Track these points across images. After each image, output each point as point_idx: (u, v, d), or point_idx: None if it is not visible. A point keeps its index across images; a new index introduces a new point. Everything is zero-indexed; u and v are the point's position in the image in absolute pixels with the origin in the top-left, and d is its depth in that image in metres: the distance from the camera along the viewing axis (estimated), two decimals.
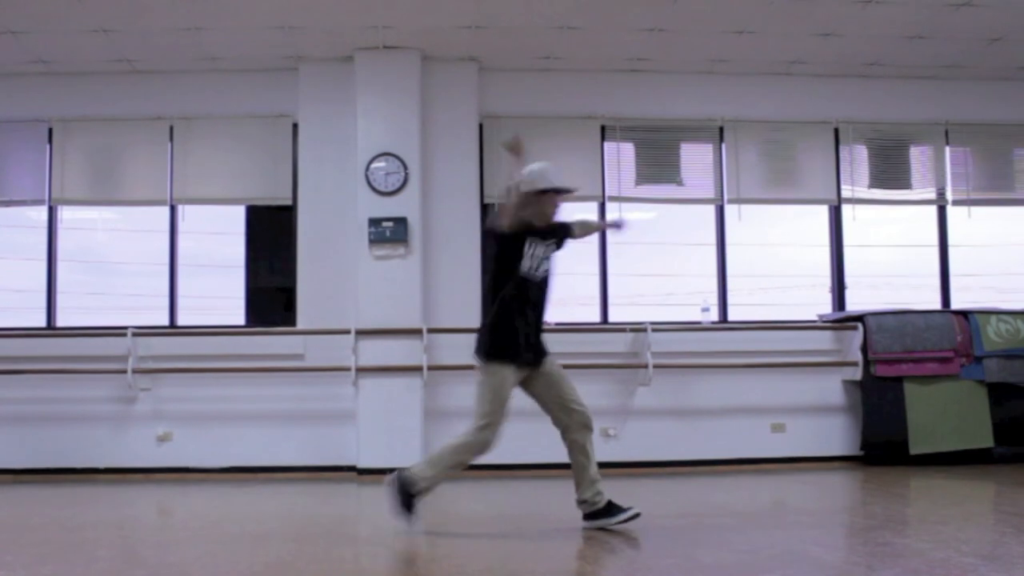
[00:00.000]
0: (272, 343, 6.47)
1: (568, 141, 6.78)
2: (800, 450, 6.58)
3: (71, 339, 6.41)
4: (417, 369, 6.28)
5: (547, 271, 4.05)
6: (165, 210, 6.69)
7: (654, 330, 6.47)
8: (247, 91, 6.71)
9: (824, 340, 6.72)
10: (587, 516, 3.95)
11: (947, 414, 6.34)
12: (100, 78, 6.67)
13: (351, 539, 4.07)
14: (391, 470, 6.14)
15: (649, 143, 6.90)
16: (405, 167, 6.44)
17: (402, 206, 6.42)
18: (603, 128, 6.85)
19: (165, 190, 6.66)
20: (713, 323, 6.76)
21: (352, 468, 6.34)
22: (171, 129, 6.68)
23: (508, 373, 3.93)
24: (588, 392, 6.37)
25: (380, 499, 5.41)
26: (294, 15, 5.91)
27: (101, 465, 6.34)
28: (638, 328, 6.51)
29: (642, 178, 6.87)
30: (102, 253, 7.25)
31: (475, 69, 6.71)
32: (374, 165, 6.44)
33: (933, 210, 7.14)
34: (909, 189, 7.11)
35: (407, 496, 3.93)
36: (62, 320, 6.64)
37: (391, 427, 6.28)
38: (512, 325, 3.94)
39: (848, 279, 7.03)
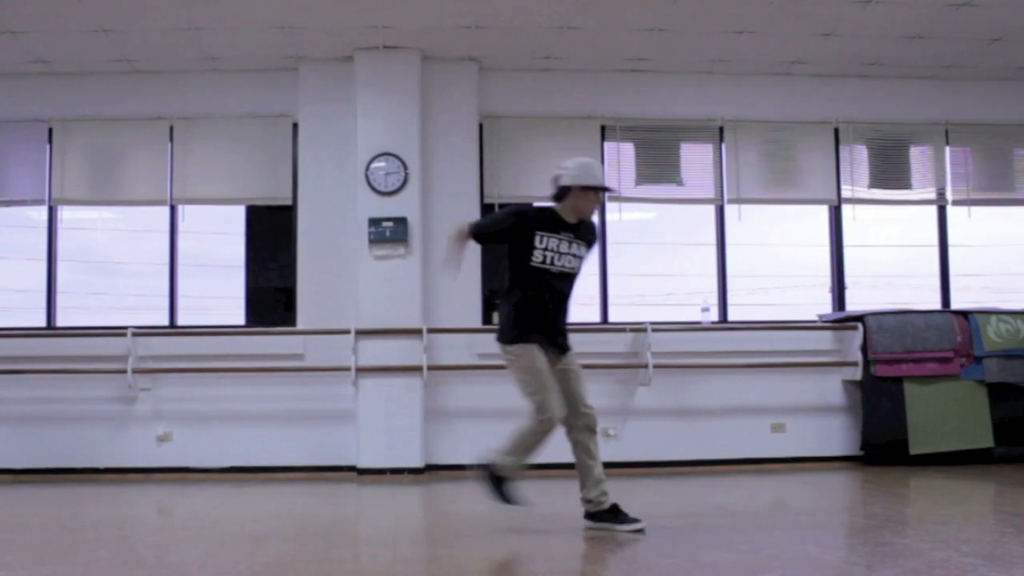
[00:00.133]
0: (272, 343, 6.47)
1: (568, 141, 6.77)
2: (800, 450, 6.58)
3: (71, 339, 6.41)
4: (417, 369, 6.28)
5: (570, 267, 4.01)
6: (165, 210, 6.69)
7: (654, 330, 6.47)
8: (247, 91, 6.71)
9: (824, 340, 6.72)
10: (589, 515, 3.94)
11: (947, 414, 6.34)
12: (100, 78, 6.67)
13: (351, 539, 4.07)
14: (391, 470, 6.22)
15: (649, 143, 6.90)
16: (405, 167, 6.44)
17: (402, 206, 6.42)
18: (603, 128, 6.85)
19: (165, 190, 6.66)
20: (713, 323, 6.76)
21: (352, 468, 6.34)
22: (171, 129, 6.68)
23: (532, 350, 3.91)
24: (588, 392, 6.43)
25: (380, 499, 5.43)
26: (294, 15, 5.91)
27: (101, 465, 6.34)
28: (638, 328, 6.51)
29: (642, 178, 6.87)
30: (102, 253, 7.25)
31: (475, 69, 6.71)
32: (374, 165, 6.44)
33: (933, 210, 7.14)
34: (909, 189, 7.11)
35: (498, 482, 3.92)
36: (62, 320, 6.64)
37: (391, 427, 6.28)
38: (527, 311, 3.94)
39: (848, 279, 7.03)
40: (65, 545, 3.75)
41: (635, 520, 3.86)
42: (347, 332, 6.30)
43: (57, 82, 6.66)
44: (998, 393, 6.40)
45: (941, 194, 7.10)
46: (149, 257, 6.80)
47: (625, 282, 6.85)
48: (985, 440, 6.33)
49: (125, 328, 6.33)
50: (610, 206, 6.82)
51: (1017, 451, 6.47)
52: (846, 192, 6.98)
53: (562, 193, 4.00)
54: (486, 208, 6.67)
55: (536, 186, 6.62)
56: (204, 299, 6.91)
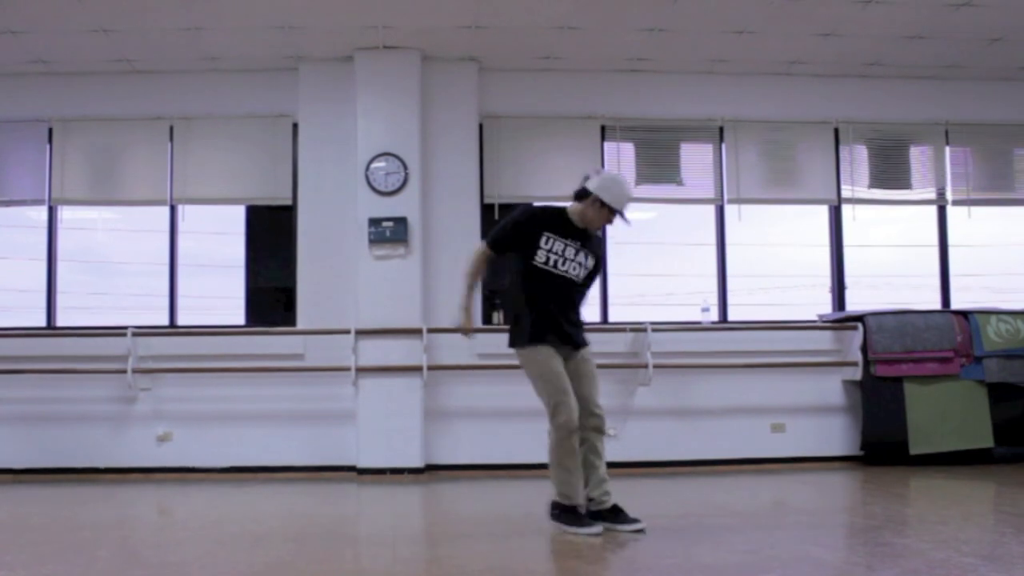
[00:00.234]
0: (272, 343, 6.47)
1: (568, 141, 6.78)
2: (800, 450, 6.58)
3: (71, 339, 6.41)
4: (417, 369, 6.28)
5: (574, 274, 3.99)
6: (165, 210, 6.69)
7: (654, 330, 6.47)
8: (247, 91, 6.71)
9: (824, 340, 6.72)
10: (589, 514, 3.95)
11: (947, 414, 6.34)
12: (100, 78, 6.67)
13: (351, 539, 4.07)
14: (391, 470, 6.22)
15: (649, 143, 6.91)
16: (405, 167, 6.44)
17: (402, 206, 6.42)
18: (603, 128, 6.85)
19: (165, 190, 6.66)
20: (713, 323, 6.76)
21: (352, 468, 6.34)
22: (171, 129, 6.68)
23: (544, 350, 3.91)
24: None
25: (380, 499, 5.43)
26: (294, 15, 5.91)
27: (101, 465, 6.34)
28: (638, 328, 6.51)
29: (642, 178, 6.87)
30: (102, 253, 7.25)
31: (475, 69, 6.71)
32: (374, 165, 6.44)
33: (933, 210, 7.14)
34: (909, 189, 7.11)
35: (570, 512, 3.88)
36: (62, 320, 6.64)
37: (391, 427, 6.28)
38: (532, 312, 3.94)
39: (848, 279, 7.03)
40: (65, 545, 3.75)
41: (635, 520, 3.86)
42: (347, 332, 6.30)
43: (57, 82, 6.66)
44: (998, 393, 6.40)
45: (941, 194, 7.10)
46: (149, 257, 6.80)
47: (625, 282, 6.85)
48: (985, 440, 6.33)
49: (125, 328, 6.33)
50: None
51: (1017, 451, 6.48)
52: (846, 192, 6.98)
53: (582, 194, 4.00)
54: (486, 208, 6.67)
55: (536, 186, 6.63)
56: (204, 299, 6.91)
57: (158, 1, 5.64)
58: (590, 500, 3.96)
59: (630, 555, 3.50)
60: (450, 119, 6.65)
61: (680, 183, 6.92)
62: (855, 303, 6.99)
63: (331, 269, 6.53)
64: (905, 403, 6.34)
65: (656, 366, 6.40)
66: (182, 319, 6.67)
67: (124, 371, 6.27)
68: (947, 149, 7.10)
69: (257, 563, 3.34)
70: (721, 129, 6.93)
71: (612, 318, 6.76)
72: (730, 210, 6.91)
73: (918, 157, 7.13)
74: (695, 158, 6.93)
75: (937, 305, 7.02)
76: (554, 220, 4.01)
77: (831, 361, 6.62)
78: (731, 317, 6.86)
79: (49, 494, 5.60)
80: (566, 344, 3.98)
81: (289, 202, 6.67)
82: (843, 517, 4.52)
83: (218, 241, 7.09)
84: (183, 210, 6.69)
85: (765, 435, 6.58)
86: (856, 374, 6.46)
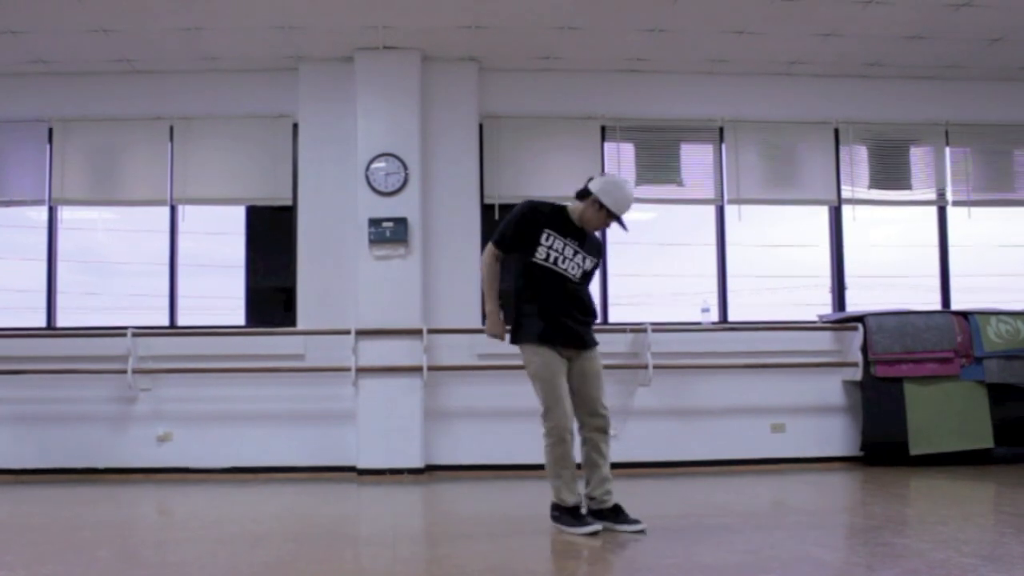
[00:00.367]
0: (272, 343, 6.47)
1: (568, 141, 6.78)
2: (800, 450, 6.58)
3: (71, 339, 6.41)
4: (417, 369, 6.28)
5: (573, 273, 3.99)
6: (165, 210, 6.69)
7: (654, 330, 6.47)
8: (247, 91, 6.71)
9: (824, 340, 6.72)
10: (592, 513, 3.95)
11: (947, 415, 6.34)
12: (100, 78, 6.67)
13: (351, 539, 4.07)
14: (391, 470, 6.22)
15: (649, 143, 6.90)
16: (405, 167, 6.44)
17: (402, 206, 6.42)
18: (603, 128, 6.85)
19: (165, 190, 6.66)
20: (713, 323, 6.76)
21: (352, 468, 6.34)
22: (171, 129, 6.68)
23: (545, 352, 3.91)
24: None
25: (380, 499, 5.43)
26: (294, 15, 5.91)
27: (101, 465, 6.34)
28: (638, 328, 6.51)
29: (642, 178, 6.87)
30: (102, 253, 7.25)
31: (475, 69, 6.71)
32: (374, 165, 6.44)
33: (933, 210, 7.14)
34: (909, 190, 7.11)
35: (569, 513, 3.89)
36: (62, 320, 6.64)
37: (391, 427, 6.28)
38: (534, 309, 3.94)
39: (848, 279, 7.03)
40: (65, 545, 3.75)
41: (636, 521, 3.86)
42: (347, 332, 6.30)
43: (57, 82, 6.66)
44: (998, 393, 6.40)
45: (941, 194, 7.10)
46: (149, 257, 6.80)
47: (625, 282, 6.85)
48: (985, 441, 6.33)
49: (125, 328, 6.33)
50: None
51: (1017, 452, 6.47)
52: (846, 192, 6.98)
53: (583, 194, 4.01)
54: (486, 208, 6.67)
55: (536, 186, 6.62)
56: (204, 299, 6.91)
57: (158, 1, 5.64)
58: (591, 499, 3.96)
59: (630, 555, 3.50)
60: (450, 119, 6.65)
61: (680, 183, 6.92)
62: (855, 303, 6.99)
63: (331, 269, 6.53)
64: (905, 403, 6.34)
65: (656, 366, 6.40)
66: (182, 319, 6.67)
67: (124, 371, 6.27)
68: (947, 149, 7.10)
69: (257, 563, 3.34)
70: (721, 129, 6.93)
71: (612, 318, 6.76)
72: (730, 210, 6.91)
73: (918, 157, 7.13)
74: (695, 158, 6.93)
75: (937, 305, 7.02)
76: (555, 217, 4.01)
77: (831, 361, 6.62)
78: (731, 317, 6.86)
79: (49, 494, 5.60)
80: (570, 344, 3.98)
81: (289, 202, 6.67)
82: (843, 517, 4.52)
83: (218, 241, 7.08)
84: (183, 210, 6.69)
85: (765, 435, 6.59)
86: (856, 374, 6.46)
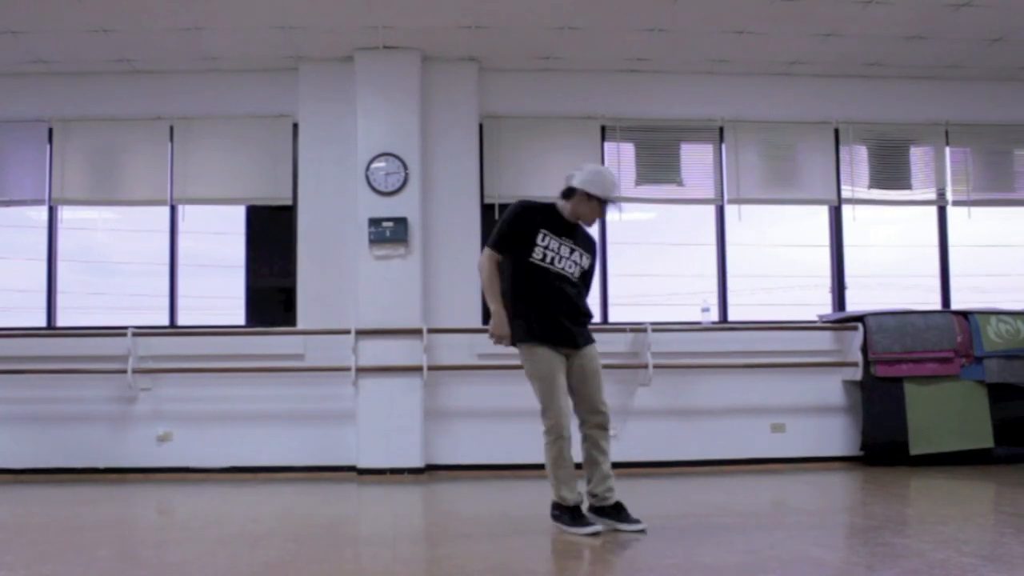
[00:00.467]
0: (272, 343, 6.47)
1: (568, 141, 6.78)
2: (800, 450, 6.58)
3: (71, 339, 6.41)
4: (417, 369, 6.28)
5: (570, 271, 4.00)
6: (165, 210, 6.69)
7: (654, 330, 6.47)
8: (247, 91, 6.71)
9: (824, 340, 6.72)
10: (592, 509, 3.95)
11: (947, 414, 6.34)
12: (100, 78, 6.67)
13: (351, 539, 4.07)
14: (391, 470, 6.22)
15: (649, 143, 6.90)
16: (405, 167, 6.44)
17: (402, 206, 6.42)
18: (603, 128, 6.85)
19: (165, 190, 6.66)
20: (713, 323, 6.76)
21: (352, 468, 6.34)
22: (171, 129, 6.68)
23: (542, 351, 3.91)
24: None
25: (380, 499, 5.43)
26: (294, 15, 5.91)
27: (101, 465, 6.34)
28: (638, 328, 6.51)
29: (642, 178, 6.87)
30: (102, 253, 7.25)
31: (475, 69, 6.71)
32: (374, 165, 6.44)
33: (933, 210, 7.14)
34: (909, 189, 7.11)
35: (570, 512, 3.88)
36: (62, 320, 6.64)
37: (391, 427, 6.28)
38: (530, 309, 3.94)
39: (848, 279, 7.03)
40: (65, 545, 3.75)
41: (637, 520, 3.86)
42: (347, 332, 6.30)
43: (57, 82, 6.67)
44: (998, 393, 6.40)
45: (941, 194, 7.10)
46: (149, 257, 6.80)
47: (625, 282, 6.85)
48: (985, 440, 6.33)
49: (125, 328, 6.33)
50: (610, 206, 6.79)
51: (1017, 451, 6.47)
52: (846, 192, 6.98)
53: (569, 193, 4.02)
54: (486, 208, 6.67)
55: (536, 186, 6.61)
56: (204, 299, 6.91)
57: (158, 1, 5.64)
58: (593, 496, 3.96)
59: (630, 555, 3.50)
60: (450, 119, 6.65)
61: (680, 183, 6.92)
62: (855, 303, 6.99)
63: (331, 269, 6.53)
64: (905, 403, 6.35)
65: (656, 366, 6.41)
66: (182, 319, 6.67)
67: (124, 371, 6.27)
68: (947, 149, 7.11)
69: (257, 563, 3.33)
70: (721, 129, 6.93)
71: (612, 318, 6.76)
72: (730, 210, 6.91)
73: (918, 157, 7.13)
74: (695, 158, 6.93)
75: (937, 305, 7.03)
76: (549, 217, 4.02)
77: (831, 361, 6.62)
78: (731, 317, 6.86)
79: (49, 494, 5.60)
80: (567, 343, 3.98)
81: (289, 202, 6.67)
82: (843, 517, 4.52)
83: (218, 241, 7.08)
84: (183, 210, 6.69)
85: (765, 435, 6.59)
86: (856, 374, 6.46)
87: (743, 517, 4.35)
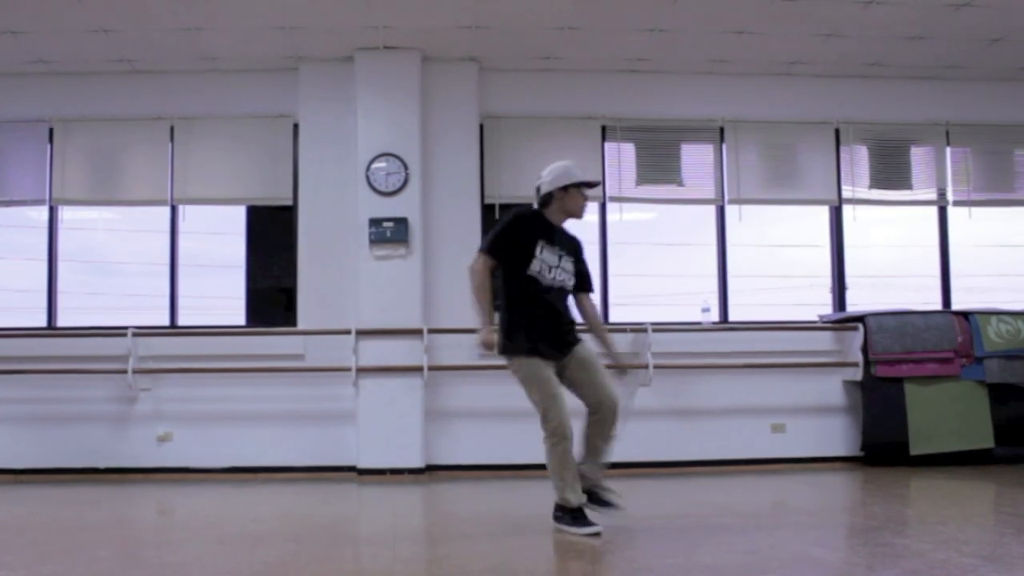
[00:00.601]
0: (272, 343, 6.47)
1: (568, 141, 6.78)
2: (800, 451, 6.57)
3: (71, 339, 6.41)
4: (417, 369, 6.28)
5: (560, 281, 4.03)
6: (165, 210, 6.69)
7: (654, 330, 6.47)
8: (247, 91, 6.71)
9: (824, 341, 6.72)
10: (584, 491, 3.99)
11: (947, 415, 6.33)
12: (100, 78, 6.67)
13: (351, 539, 4.07)
14: (391, 470, 6.22)
15: (649, 143, 6.90)
16: (406, 167, 6.44)
17: (402, 206, 6.42)
18: (603, 128, 6.85)
19: (165, 190, 6.66)
20: (713, 323, 6.76)
21: (352, 468, 6.34)
22: (171, 129, 6.68)
23: (535, 361, 3.93)
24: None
25: (380, 499, 5.43)
26: (294, 15, 5.91)
27: (101, 465, 6.34)
28: (638, 328, 6.51)
29: (642, 178, 6.87)
30: (102, 253, 7.25)
31: (475, 69, 6.71)
32: (374, 165, 6.44)
33: (934, 210, 7.13)
34: (910, 190, 7.11)
35: (572, 514, 3.88)
36: (62, 320, 6.64)
37: (391, 427, 6.28)
38: (525, 322, 3.95)
39: (848, 279, 7.03)
40: (65, 545, 3.75)
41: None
42: (347, 332, 6.30)
43: (57, 82, 6.66)
44: (999, 394, 6.40)
45: (942, 194, 7.10)
46: (149, 257, 6.80)
47: (625, 282, 6.85)
48: (986, 441, 6.32)
49: (125, 328, 6.33)
50: (610, 206, 6.83)
51: (1018, 452, 6.47)
52: (846, 192, 6.98)
53: (546, 200, 4.07)
54: (486, 208, 6.67)
55: None
56: (204, 299, 6.91)
57: (158, 1, 5.64)
58: (582, 477, 3.97)
59: (630, 555, 3.50)
60: (450, 119, 6.65)
61: (680, 183, 6.91)
62: (855, 303, 6.99)
63: (331, 269, 6.53)
64: (906, 404, 6.34)
65: (657, 366, 6.40)
66: (182, 319, 6.67)
67: (124, 371, 6.27)
68: (948, 149, 7.10)
69: (257, 563, 3.34)
70: (722, 129, 6.93)
71: (612, 318, 6.76)
72: (731, 210, 6.91)
73: (919, 157, 7.13)
74: (695, 158, 6.93)
75: (937, 305, 7.02)
76: (542, 227, 4.05)
77: (831, 362, 6.62)
78: (732, 317, 6.86)
79: (49, 494, 5.60)
80: (558, 352, 4.00)
81: (290, 202, 6.67)
82: (843, 517, 4.52)
83: (218, 241, 7.08)
84: (183, 210, 6.69)
85: (765, 435, 6.58)
86: (856, 374, 6.46)
87: (743, 517, 4.35)
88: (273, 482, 6.10)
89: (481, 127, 6.74)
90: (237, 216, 6.77)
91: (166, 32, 6.06)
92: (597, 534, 3.79)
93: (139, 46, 6.28)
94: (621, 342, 6.55)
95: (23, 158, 6.67)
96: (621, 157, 6.86)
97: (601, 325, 4.39)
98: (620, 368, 4.33)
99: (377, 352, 6.32)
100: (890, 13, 5.92)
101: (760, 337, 6.65)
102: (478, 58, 6.66)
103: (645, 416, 6.53)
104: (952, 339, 6.40)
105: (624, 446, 6.37)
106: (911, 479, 5.73)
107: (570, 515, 3.88)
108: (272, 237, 6.75)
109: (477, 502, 5.29)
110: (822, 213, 7.07)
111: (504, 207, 6.58)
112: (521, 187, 6.66)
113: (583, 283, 4.20)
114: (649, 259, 7.07)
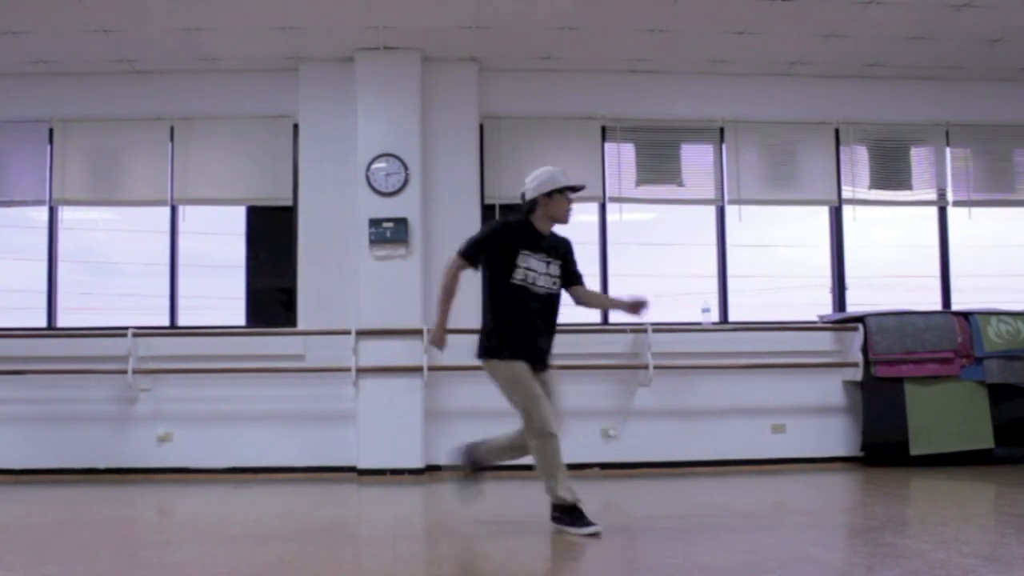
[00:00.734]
0: (272, 343, 6.47)
1: (568, 141, 6.78)
2: (800, 451, 6.58)
3: (71, 339, 6.41)
4: (417, 369, 6.28)
5: (546, 288, 4.05)
6: (165, 210, 6.69)
7: (654, 331, 6.47)
8: (247, 91, 6.71)
9: (824, 341, 6.72)
10: (468, 452, 4.25)
11: (947, 415, 6.34)
12: (100, 78, 6.67)
13: (351, 539, 4.07)
14: (391, 470, 6.21)
15: (649, 144, 6.90)
16: (405, 167, 6.44)
17: (402, 206, 6.42)
18: (603, 128, 6.85)
19: (165, 190, 6.66)
20: (713, 324, 6.76)
21: (352, 468, 6.34)
22: (171, 129, 6.68)
23: (517, 363, 3.96)
24: (588, 392, 6.44)
25: (380, 499, 5.43)
26: (294, 15, 5.92)
27: (101, 465, 6.34)
28: (638, 329, 6.51)
29: (642, 179, 6.87)
30: (102, 253, 7.25)
31: (475, 69, 6.71)
32: (374, 165, 6.44)
33: (934, 211, 7.14)
34: (910, 190, 7.11)
35: (570, 512, 3.89)
36: (62, 320, 6.64)
37: (391, 427, 6.28)
38: (509, 327, 3.99)
39: (848, 280, 7.03)
40: (65, 545, 3.75)
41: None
42: (347, 333, 6.30)
43: (57, 82, 6.67)
44: (999, 394, 6.40)
45: (942, 195, 7.10)
46: (149, 257, 6.80)
47: (625, 282, 6.84)
48: (986, 441, 6.32)
49: (125, 328, 6.33)
50: (610, 206, 6.83)
51: (1018, 452, 6.47)
52: (847, 193, 6.98)
53: (531, 207, 4.08)
54: (486, 209, 6.67)
55: None
56: (204, 299, 6.91)
57: (158, 1, 5.64)
58: (480, 448, 4.20)
59: (630, 555, 3.50)
60: (450, 119, 6.65)
61: (681, 184, 6.92)
62: (855, 304, 6.99)
63: (331, 270, 6.53)
64: (906, 404, 6.34)
65: (657, 367, 6.40)
66: (182, 320, 6.67)
67: (124, 372, 6.27)
68: (947, 150, 7.11)
69: (257, 563, 3.33)
70: (722, 130, 6.93)
71: (612, 318, 6.76)
72: (731, 211, 6.91)
73: (919, 158, 7.13)
74: (696, 159, 6.93)
75: (937, 306, 7.02)
76: (527, 235, 4.06)
77: (831, 362, 6.62)
78: (732, 318, 6.86)
79: (49, 494, 5.60)
80: (538, 361, 4.05)
81: (289, 202, 6.67)
82: (843, 518, 4.52)
83: (218, 241, 7.08)
84: (183, 210, 6.69)
85: (765, 436, 6.58)
86: (857, 375, 6.46)
87: (743, 517, 4.35)
88: (273, 482, 6.10)
89: (481, 127, 6.75)
90: (237, 216, 6.77)
91: (166, 32, 6.06)
92: (597, 534, 3.79)
93: (139, 46, 6.28)
94: (621, 342, 6.57)
95: (23, 158, 6.67)
96: (621, 157, 6.86)
97: (605, 296, 4.42)
98: (638, 305, 4.18)
99: (377, 352, 6.32)
100: (890, 13, 5.92)
101: (760, 337, 6.65)
102: (478, 58, 6.67)
103: (645, 416, 6.54)
104: (952, 339, 6.41)
105: (624, 446, 6.45)
106: (911, 479, 5.73)
107: (569, 515, 3.89)
108: (272, 237, 6.76)
109: (477, 502, 5.28)
110: (822, 213, 7.07)
111: (504, 207, 6.59)
112: (521, 187, 6.65)
113: (573, 279, 4.20)
114: (649, 259, 7.07)
